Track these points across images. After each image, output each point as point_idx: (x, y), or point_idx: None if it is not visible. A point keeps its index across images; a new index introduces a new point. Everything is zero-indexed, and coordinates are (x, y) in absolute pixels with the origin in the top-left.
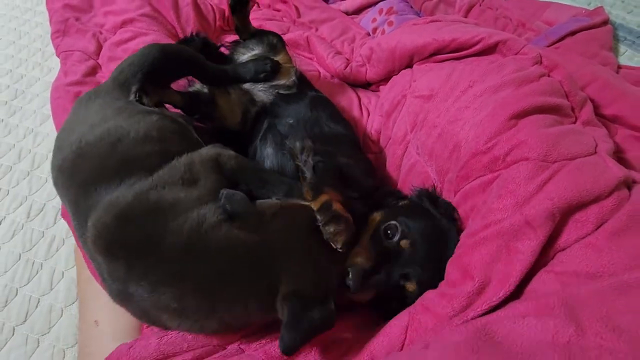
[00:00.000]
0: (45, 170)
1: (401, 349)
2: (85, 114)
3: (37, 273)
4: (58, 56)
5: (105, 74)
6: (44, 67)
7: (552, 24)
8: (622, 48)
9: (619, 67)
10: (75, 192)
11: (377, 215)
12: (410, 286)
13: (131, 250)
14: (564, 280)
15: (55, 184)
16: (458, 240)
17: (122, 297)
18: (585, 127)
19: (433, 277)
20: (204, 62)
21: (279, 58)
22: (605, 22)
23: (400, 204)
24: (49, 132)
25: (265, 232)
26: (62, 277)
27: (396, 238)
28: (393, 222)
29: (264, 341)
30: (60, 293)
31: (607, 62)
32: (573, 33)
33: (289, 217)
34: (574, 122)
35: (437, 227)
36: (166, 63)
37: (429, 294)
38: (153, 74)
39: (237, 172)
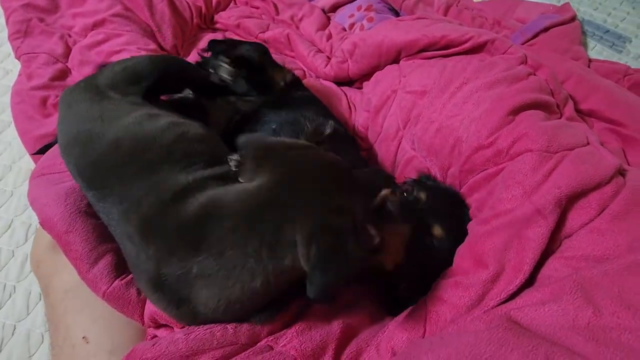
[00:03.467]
0: (9, 183)
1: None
2: (116, 107)
3: (10, 297)
4: (18, 58)
5: (76, 78)
6: (0, 69)
7: (524, 21)
8: (591, 43)
9: (590, 60)
10: (135, 172)
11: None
12: (437, 230)
13: (178, 227)
14: (574, 265)
15: (98, 161)
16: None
17: (154, 282)
18: (571, 122)
19: (457, 229)
20: (199, 73)
21: (272, 74)
22: (573, 18)
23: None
24: (11, 141)
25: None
26: (40, 299)
27: (414, 192)
28: (406, 184)
29: (290, 336)
30: (38, 317)
31: (578, 56)
32: (545, 29)
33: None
34: (559, 118)
35: (445, 189)
36: (165, 77)
37: (443, 285)
38: (154, 87)
39: None
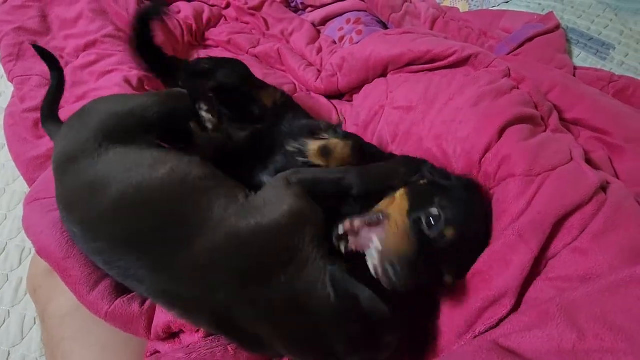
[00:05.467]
0: (3, 206)
1: None
2: (118, 158)
3: (4, 322)
4: (10, 81)
5: (69, 99)
6: None
7: (510, 31)
8: (576, 50)
9: (575, 68)
10: (157, 218)
11: (402, 192)
12: (449, 279)
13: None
14: (558, 286)
15: (117, 208)
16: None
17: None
18: (555, 135)
19: (470, 261)
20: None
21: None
22: (557, 26)
23: (420, 182)
24: (5, 163)
25: None
26: (35, 323)
27: (439, 227)
28: (434, 209)
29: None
30: (33, 342)
31: (563, 64)
32: (530, 39)
33: None
34: (545, 131)
35: (472, 205)
36: (173, 121)
37: (436, 314)
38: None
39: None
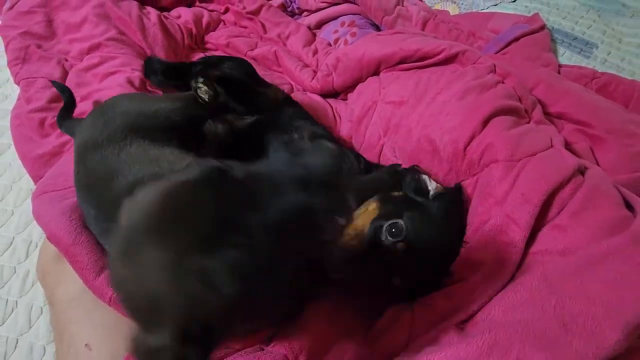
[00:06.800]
0: (10, 202)
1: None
2: (141, 153)
3: (12, 312)
4: (17, 84)
5: None
6: None
7: (497, 31)
8: (561, 49)
9: (560, 66)
10: None
11: (372, 204)
12: (397, 280)
13: None
14: (538, 259)
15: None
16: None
17: None
18: (538, 126)
19: (425, 273)
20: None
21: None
22: (543, 27)
23: (394, 194)
24: (11, 162)
25: None
26: (41, 312)
27: (396, 239)
28: (400, 221)
29: (280, 337)
30: (40, 330)
31: (549, 63)
32: (517, 39)
33: None
34: (528, 122)
35: (440, 229)
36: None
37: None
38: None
39: None
